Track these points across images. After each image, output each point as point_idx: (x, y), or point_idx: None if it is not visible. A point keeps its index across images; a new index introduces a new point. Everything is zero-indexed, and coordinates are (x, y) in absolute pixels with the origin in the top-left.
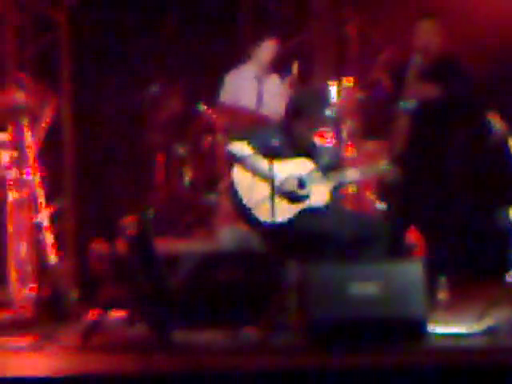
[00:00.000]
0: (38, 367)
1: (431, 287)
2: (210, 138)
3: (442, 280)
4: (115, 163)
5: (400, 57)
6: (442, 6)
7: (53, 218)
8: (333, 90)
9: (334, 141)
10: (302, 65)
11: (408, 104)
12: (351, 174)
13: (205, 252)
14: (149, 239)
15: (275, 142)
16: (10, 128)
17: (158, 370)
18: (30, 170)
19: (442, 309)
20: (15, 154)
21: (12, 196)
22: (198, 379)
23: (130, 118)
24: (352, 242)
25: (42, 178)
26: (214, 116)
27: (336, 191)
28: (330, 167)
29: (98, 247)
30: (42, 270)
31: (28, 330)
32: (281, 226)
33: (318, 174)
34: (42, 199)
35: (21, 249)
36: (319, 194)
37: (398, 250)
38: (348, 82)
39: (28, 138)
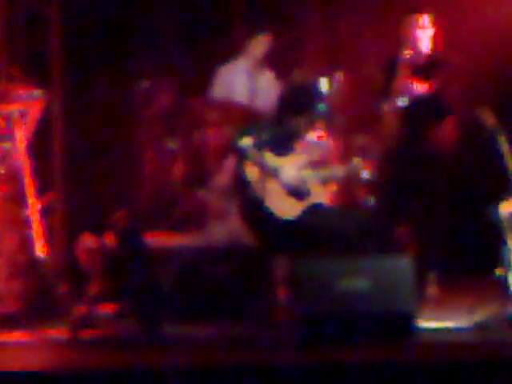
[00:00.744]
0: (27, 362)
1: (420, 283)
2: (201, 133)
3: (432, 275)
4: (105, 157)
5: (391, 52)
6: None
7: (42, 212)
8: (324, 84)
9: (325, 135)
10: (294, 59)
11: (398, 100)
12: (340, 170)
13: (195, 247)
14: (138, 233)
15: (268, 136)
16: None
17: (148, 365)
18: (19, 164)
19: (431, 304)
20: (5, 147)
21: (0, 190)
22: (187, 374)
23: (120, 113)
24: (351, 238)
25: (32, 171)
26: (206, 110)
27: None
28: (321, 162)
29: (87, 241)
30: (30, 264)
31: (17, 324)
32: (292, 222)
33: (310, 170)
34: (31, 193)
35: (9, 243)
36: (319, 191)
37: (386, 246)
38: (339, 76)
39: (18, 131)
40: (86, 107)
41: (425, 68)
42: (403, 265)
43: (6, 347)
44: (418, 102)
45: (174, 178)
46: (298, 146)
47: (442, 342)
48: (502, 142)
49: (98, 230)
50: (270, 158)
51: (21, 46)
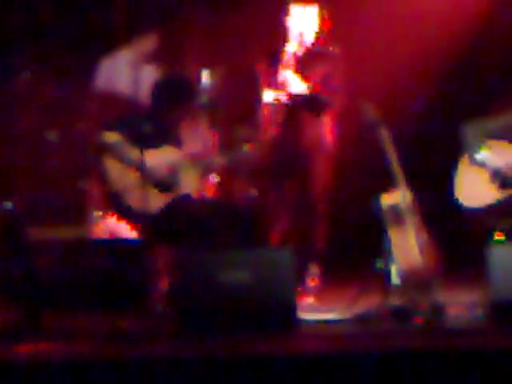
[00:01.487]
0: None
1: (301, 274)
2: (81, 125)
3: (313, 267)
4: None
5: (274, 45)
6: None
7: None
8: (206, 76)
9: (204, 128)
10: (178, 52)
11: (279, 93)
12: (219, 161)
13: (76, 238)
14: (18, 225)
15: (146, 129)
16: None
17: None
18: None
19: (312, 296)
20: None
21: None
22: (68, 365)
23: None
24: (221, 230)
25: None
26: (87, 102)
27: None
28: (201, 154)
29: None
30: None
31: None
32: (153, 213)
33: (188, 162)
34: None
35: None
36: (189, 182)
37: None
38: (222, 68)
39: None
40: None
41: (305, 61)
42: (284, 257)
43: None
44: (297, 96)
45: (54, 170)
46: (177, 138)
47: (323, 334)
48: (385, 136)
49: None
50: (137, 151)
51: None
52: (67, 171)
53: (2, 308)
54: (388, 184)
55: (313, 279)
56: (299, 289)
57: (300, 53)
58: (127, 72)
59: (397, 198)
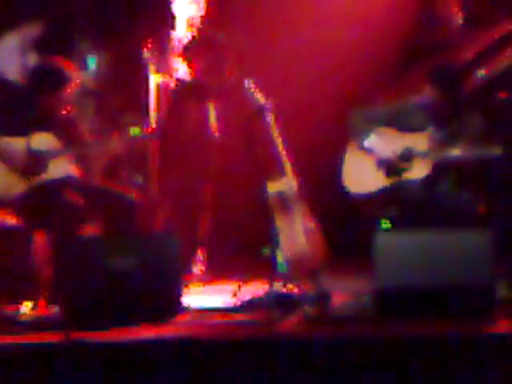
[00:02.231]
0: None
1: (187, 261)
2: None
3: (199, 254)
4: None
5: (162, 30)
6: None
7: None
8: (93, 61)
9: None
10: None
11: (168, 79)
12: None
13: None
14: None
15: (23, 115)
16: None
17: None
18: None
19: (198, 283)
20: None
21: None
22: None
23: None
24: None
25: None
26: None
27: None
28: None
29: None
30: None
31: None
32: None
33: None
34: None
35: None
36: (59, 168)
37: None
38: (107, 55)
39: None
40: None
41: (191, 48)
42: (169, 244)
43: None
44: (182, 82)
45: None
46: (53, 124)
47: (207, 322)
48: (271, 120)
49: None
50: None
51: None
52: None
53: None
54: (274, 171)
55: (199, 266)
56: (185, 276)
57: (187, 39)
58: (14, 58)
59: (283, 185)
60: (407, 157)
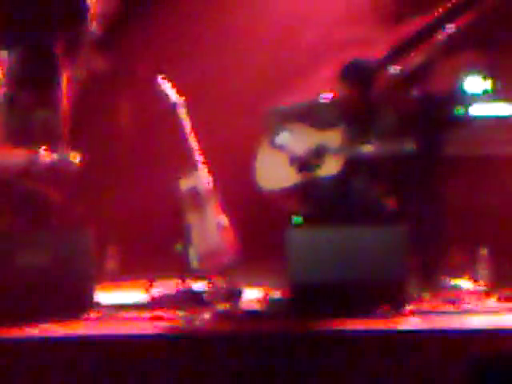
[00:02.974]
0: None
1: (100, 257)
2: None
3: (110, 249)
4: None
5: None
6: None
7: None
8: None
9: None
10: None
11: (78, 74)
12: None
13: None
14: None
15: None
16: None
17: None
18: None
19: (110, 279)
20: None
21: None
22: None
23: None
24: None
25: None
26: None
27: None
28: None
29: None
30: None
31: None
32: None
33: None
34: None
35: None
36: None
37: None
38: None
39: None
40: None
41: (101, 41)
42: (82, 239)
43: None
44: (95, 76)
45: None
46: None
47: (121, 318)
48: (183, 115)
49: None
50: None
51: None
52: None
53: None
54: (187, 166)
55: (112, 262)
56: (98, 272)
57: (99, 32)
58: None
59: (196, 180)
60: (319, 153)
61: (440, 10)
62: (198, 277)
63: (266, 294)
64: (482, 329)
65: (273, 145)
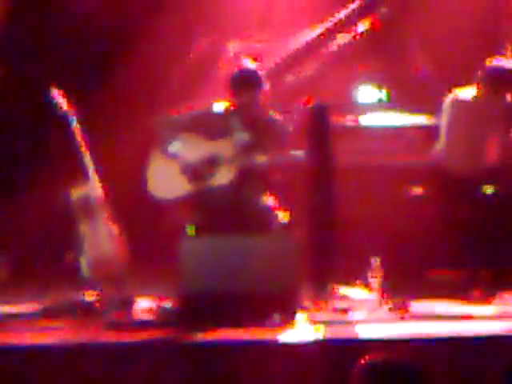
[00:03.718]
0: None
1: None
2: None
3: (2, 259)
4: None
5: None
6: None
7: None
8: None
9: None
10: None
11: None
12: None
13: None
14: None
15: None
16: None
17: None
18: None
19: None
20: None
21: None
22: None
23: None
24: None
25: None
26: None
27: None
28: None
29: None
30: None
31: None
32: None
33: None
34: None
35: None
36: None
37: None
38: None
39: None
40: None
41: None
42: None
43: None
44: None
45: None
46: None
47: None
48: (75, 126)
49: None
50: None
51: None
52: None
53: None
54: (79, 175)
55: (2, 270)
56: None
57: None
58: None
59: (87, 190)
60: (212, 163)
61: (333, 19)
62: (88, 286)
63: (158, 304)
64: (374, 338)
65: (165, 153)
